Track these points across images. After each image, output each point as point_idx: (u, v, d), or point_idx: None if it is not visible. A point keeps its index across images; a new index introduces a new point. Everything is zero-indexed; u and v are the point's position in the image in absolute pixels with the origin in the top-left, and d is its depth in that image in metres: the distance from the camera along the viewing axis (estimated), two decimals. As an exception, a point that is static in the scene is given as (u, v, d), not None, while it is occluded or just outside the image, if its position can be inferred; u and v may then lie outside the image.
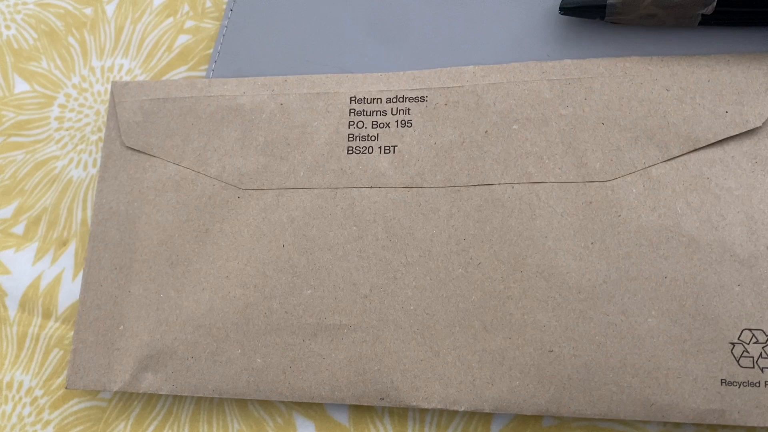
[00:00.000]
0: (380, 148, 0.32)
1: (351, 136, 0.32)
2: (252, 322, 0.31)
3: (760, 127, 0.28)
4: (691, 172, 0.28)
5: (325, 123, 0.33)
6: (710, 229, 0.27)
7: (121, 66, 0.40)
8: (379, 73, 0.33)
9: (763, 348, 0.26)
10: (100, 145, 0.38)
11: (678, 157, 0.28)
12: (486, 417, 0.30)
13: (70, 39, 0.41)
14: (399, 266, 0.30)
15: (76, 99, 0.39)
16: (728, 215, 0.27)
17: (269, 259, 0.31)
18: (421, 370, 0.29)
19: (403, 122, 0.32)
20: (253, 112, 0.33)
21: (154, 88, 0.35)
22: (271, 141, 0.33)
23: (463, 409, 0.28)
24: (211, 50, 0.38)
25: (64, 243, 0.37)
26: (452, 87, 0.32)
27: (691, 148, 0.28)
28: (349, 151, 0.32)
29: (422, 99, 0.32)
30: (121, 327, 0.32)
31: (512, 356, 0.28)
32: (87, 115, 0.39)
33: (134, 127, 0.35)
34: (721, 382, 0.26)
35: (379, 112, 0.32)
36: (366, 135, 0.32)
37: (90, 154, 0.38)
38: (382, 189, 0.31)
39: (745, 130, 0.28)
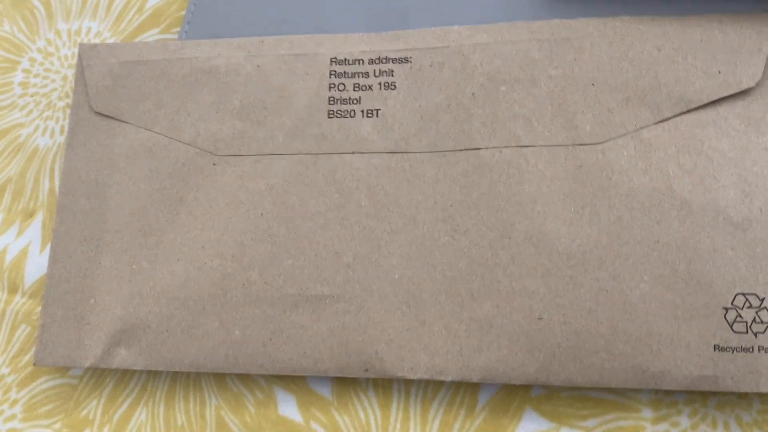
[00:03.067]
0: (362, 111, 0.31)
1: (332, 99, 0.31)
2: (230, 293, 0.30)
3: (753, 87, 0.28)
4: (684, 134, 0.28)
5: (305, 86, 0.32)
6: (703, 191, 0.27)
7: (89, 29, 0.38)
8: (361, 34, 0.32)
9: (756, 312, 0.26)
10: (68, 111, 0.37)
11: (670, 118, 0.28)
12: (473, 387, 0.29)
13: (35, 1, 0.39)
14: (383, 234, 0.29)
15: (41, 63, 0.38)
16: (721, 178, 0.27)
17: (247, 229, 0.30)
18: (406, 340, 0.28)
19: (386, 84, 0.31)
20: (229, 75, 0.32)
21: (124, 51, 0.34)
22: (248, 105, 0.32)
23: (450, 379, 0.28)
24: (183, 11, 0.37)
25: (30, 214, 0.36)
26: (437, 47, 0.31)
27: (684, 110, 0.28)
28: (330, 115, 0.31)
29: (406, 60, 0.31)
30: (92, 300, 0.31)
31: (500, 324, 0.28)
32: (53, 81, 0.38)
33: (104, 92, 0.33)
34: (714, 348, 0.26)
35: (361, 74, 0.31)
36: (348, 98, 0.31)
37: (57, 121, 0.37)
38: (365, 154, 0.30)
39: (738, 91, 0.28)
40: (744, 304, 0.26)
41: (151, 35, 0.37)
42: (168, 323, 0.30)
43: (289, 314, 0.29)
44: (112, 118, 0.33)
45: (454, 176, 0.29)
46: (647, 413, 0.28)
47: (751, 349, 0.25)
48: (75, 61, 0.38)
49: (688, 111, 0.28)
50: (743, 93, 0.28)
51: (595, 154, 0.28)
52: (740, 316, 0.26)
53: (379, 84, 0.31)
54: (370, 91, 0.31)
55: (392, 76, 0.31)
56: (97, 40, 0.38)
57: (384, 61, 0.31)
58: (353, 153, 0.30)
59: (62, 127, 0.37)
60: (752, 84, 0.28)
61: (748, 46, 0.28)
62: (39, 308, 0.34)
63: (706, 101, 0.28)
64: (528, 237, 0.28)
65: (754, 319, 0.25)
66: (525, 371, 0.27)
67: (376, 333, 0.29)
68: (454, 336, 0.28)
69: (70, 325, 0.31)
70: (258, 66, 0.32)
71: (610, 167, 0.28)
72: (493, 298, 0.28)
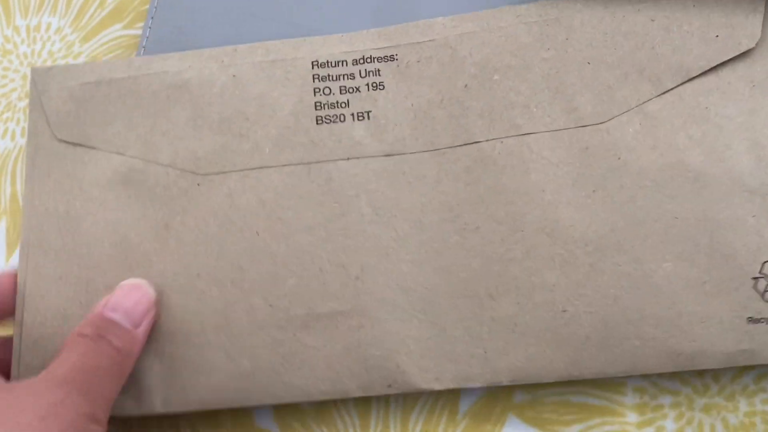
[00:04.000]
0: (353, 115, 0.29)
1: (318, 104, 0.30)
2: (234, 322, 0.28)
3: (753, 48, 0.27)
4: (688, 103, 0.27)
5: (287, 92, 0.30)
6: (716, 161, 0.26)
7: (49, 25, 0.37)
8: (340, 34, 0.30)
9: (785, 279, 0.25)
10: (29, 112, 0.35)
11: (672, 89, 0.27)
12: (454, 396, 0.29)
13: (-11, -4, 0.38)
14: (389, 241, 0.28)
15: (-1, 62, 0.36)
16: (733, 144, 0.27)
17: (243, 250, 0.29)
18: (427, 349, 0.27)
19: (374, 85, 0.30)
20: (203, 87, 0.30)
21: (83, 71, 0.31)
22: (228, 117, 0.30)
23: (478, 384, 0.27)
24: (147, 5, 0.36)
25: None
26: (423, 42, 0.30)
27: (685, 79, 0.27)
28: (319, 121, 0.29)
29: (392, 58, 0.30)
30: (81, 345, 0.29)
31: (524, 321, 0.27)
32: (12, 80, 0.36)
33: (66, 117, 0.31)
34: (748, 321, 0.25)
35: (346, 76, 0.30)
36: (335, 102, 0.30)
37: (18, 122, 0.35)
38: (361, 160, 0.29)
39: (738, 53, 0.27)
40: (771, 271, 0.25)
41: (113, 31, 0.36)
42: (171, 363, 0.28)
43: (300, 336, 0.28)
44: (78, 144, 0.31)
45: (457, 173, 0.28)
46: (632, 418, 0.27)
47: (784, 318, 0.25)
48: (35, 59, 0.36)
49: (690, 80, 0.27)
50: (744, 55, 0.27)
51: (600, 134, 0.27)
52: (769, 284, 0.25)
53: (367, 85, 0.30)
54: (358, 93, 0.30)
55: (379, 75, 0.30)
56: (57, 37, 0.36)
57: (369, 60, 0.30)
58: (348, 159, 0.29)
59: (23, 129, 0.35)
60: (752, 45, 0.27)
61: (743, 6, 0.27)
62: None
63: (706, 67, 0.27)
64: (541, 228, 0.27)
65: (784, 286, 0.25)
66: (555, 368, 0.26)
67: (395, 345, 0.27)
68: (477, 339, 0.27)
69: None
70: (234, 75, 0.30)
71: (617, 146, 0.27)
72: (513, 295, 0.27)
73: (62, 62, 0.36)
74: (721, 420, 0.26)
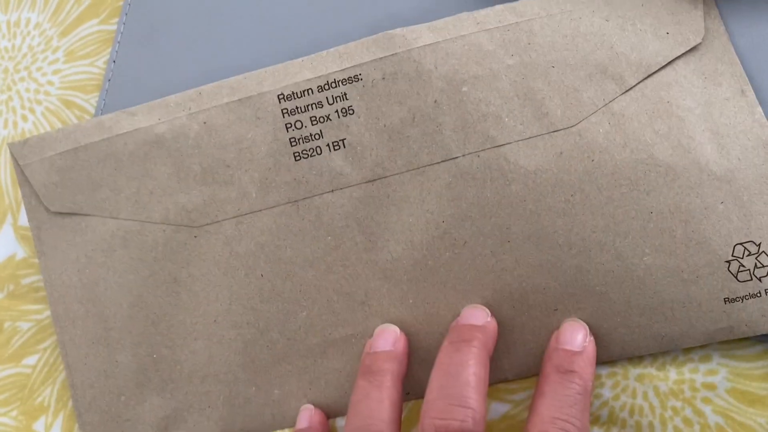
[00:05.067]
0: (328, 145, 0.30)
1: (293, 139, 0.30)
2: (257, 358, 0.31)
3: (700, 43, 0.28)
4: (651, 99, 0.28)
5: (260, 132, 0.30)
6: (683, 153, 0.28)
7: (29, 20, 0.38)
8: (300, 59, 0.30)
9: (756, 258, 0.27)
10: (11, 104, 0.37)
11: (635, 86, 0.28)
12: None
13: (-34, -8, 0.38)
14: (386, 264, 0.30)
15: (-22, 58, 0.38)
16: (696, 135, 0.28)
17: (252, 293, 0.31)
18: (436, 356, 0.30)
19: (343, 111, 0.30)
20: (177, 140, 0.31)
21: (56, 140, 0.32)
22: (209, 167, 0.31)
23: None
24: (122, 2, 0.37)
25: None
26: (385, 57, 0.30)
27: (645, 75, 0.28)
28: (297, 157, 0.30)
29: (356, 78, 0.30)
30: (123, 398, 0.32)
31: (521, 322, 0.29)
32: None
33: (54, 190, 0.32)
34: (725, 301, 0.28)
35: (314, 105, 0.30)
36: (308, 135, 0.30)
37: (0, 114, 0.37)
38: (345, 190, 0.30)
39: (688, 49, 0.28)
40: (743, 253, 0.27)
41: (90, 26, 0.37)
42: (208, 399, 0.31)
43: (321, 361, 0.31)
44: (73, 214, 0.32)
45: (439, 191, 0.29)
46: None
47: (759, 294, 0.27)
48: (15, 53, 0.38)
49: (650, 75, 0.28)
50: (693, 50, 0.29)
51: (572, 137, 0.28)
52: (742, 265, 0.27)
53: (336, 112, 0.30)
54: (329, 121, 0.30)
55: (347, 99, 0.30)
56: (36, 32, 0.38)
57: (333, 84, 0.30)
58: (332, 191, 0.30)
59: (5, 120, 0.37)
60: (699, 40, 0.28)
61: (685, 4, 0.28)
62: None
63: (663, 63, 0.28)
64: (527, 237, 0.29)
65: (755, 265, 0.27)
66: (555, 361, 0.29)
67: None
68: (481, 345, 0.30)
69: (111, 427, 0.32)
70: (204, 123, 0.31)
71: (590, 148, 0.28)
72: (508, 301, 0.29)
73: (42, 56, 0.37)
74: (652, 388, 0.29)
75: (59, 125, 0.36)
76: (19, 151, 0.32)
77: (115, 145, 0.31)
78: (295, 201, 0.30)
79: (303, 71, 0.30)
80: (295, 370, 0.31)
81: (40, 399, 0.34)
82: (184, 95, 0.31)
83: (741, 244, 0.27)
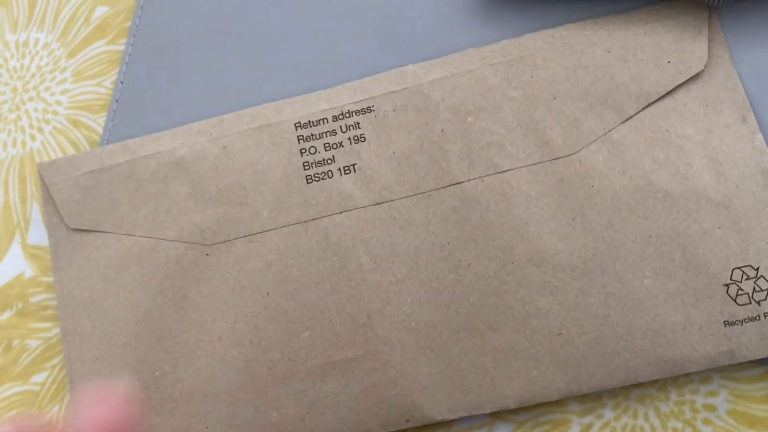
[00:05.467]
0: (339, 169, 0.32)
1: (306, 164, 0.32)
2: (257, 378, 0.31)
3: (702, 70, 0.29)
4: (650, 128, 0.29)
5: (276, 156, 0.32)
6: (681, 179, 0.29)
7: (37, 40, 0.39)
8: (318, 92, 0.33)
9: (755, 282, 0.28)
10: (20, 124, 0.38)
11: (634, 115, 0.30)
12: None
13: (-22, 12, 0.40)
14: (390, 286, 0.30)
15: (-11, 76, 0.40)
16: (694, 163, 0.29)
17: (257, 311, 0.31)
18: (438, 383, 0.30)
19: (355, 138, 0.32)
20: (197, 163, 0.32)
21: (84, 161, 0.34)
22: (224, 188, 0.32)
23: (488, 410, 0.29)
24: (129, 23, 0.38)
25: None
26: (396, 91, 0.32)
27: (645, 104, 0.29)
28: (309, 180, 0.32)
29: (369, 110, 0.32)
30: (121, 416, 0.31)
31: (524, 348, 0.29)
32: (3, 93, 0.39)
33: (75, 207, 0.33)
34: (725, 324, 0.28)
35: (328, 133, 0.32)
36: (322, 160, 0.32)
37: (9, 133, 0.38)
38: (353, 211, 0.31)
39: (690, 76, 0.29)
40: (742, 277, 0.28)
41: (98, 46, 0.38)
42: (206, 419, 0.31)
43: (320, 385, 0.30)
44: (91, 231, 0.33)
45: (444, 214, 0.30)
46: (574, 407, 0.30)
47: (758, 317, 0.28)
48: (24, 73, 0.39)
49: (649, 105, 0.30)
50: (695, 77, 0.30)
51: (573, 164, 0.30)
52: (741, 289, 0.28)
53: (349, 139, 0.32)
54: (341, 147, 0.32)
55: (359, 128, 0.32)
56: (45, 52, 0.39)
57: (347, 115, 0.32)
58: (341, 213, 0.31)
59: (14, 140, 0.38)
60: (701, 67, 0.29)
61: (689, 31, 0.30)
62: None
63: (663, 92, 0.29)
64: (529, 259, 0.29)
65: (754, 288, 0.28)
66: (557, 387, 0.29)
67: (408, 383, 0.30)
68: (482, 369, 0.29)
69: (107, 446, 0.31)
70: (224, 147, 0.32)
71: (590, 174, 0.29)
72: (511, 325, 0.29)
73: (50, 76, 0.39)
74: (654, 409, 0.29)
75: (67, 145, 0.37)
76: (46, 170, 0.34)
77: (138, 165, 0.33)
78: (305, 222, 0.31)
79: (320, 102, 0.32)
80: (293, 393, 0.31)
81: (48, 416, 0.34)
82: (206, 122, 0.33)
83: (739, 268, 0.28)
